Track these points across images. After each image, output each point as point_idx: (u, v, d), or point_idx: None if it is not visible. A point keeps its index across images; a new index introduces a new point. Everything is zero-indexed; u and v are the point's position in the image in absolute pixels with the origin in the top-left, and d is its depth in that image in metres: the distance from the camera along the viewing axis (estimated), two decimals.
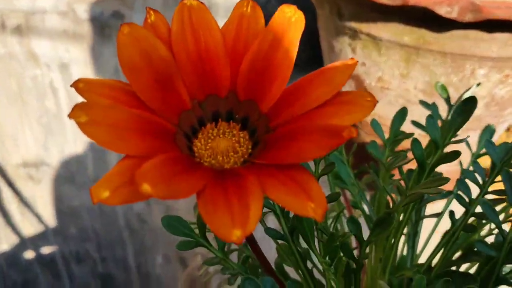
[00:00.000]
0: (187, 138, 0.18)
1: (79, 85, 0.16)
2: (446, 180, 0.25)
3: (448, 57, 0.50)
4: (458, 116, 0.31)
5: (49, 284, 1.53)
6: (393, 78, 0.55)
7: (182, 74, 0.19)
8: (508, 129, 1.08)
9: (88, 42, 1.16)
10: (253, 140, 0.19)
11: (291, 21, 0.19)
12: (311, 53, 0.84)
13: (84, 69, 1.14)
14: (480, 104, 0.54)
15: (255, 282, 0.22)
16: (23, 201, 1.36)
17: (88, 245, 1.47)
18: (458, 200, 0.29)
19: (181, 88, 0.18)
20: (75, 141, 1.14)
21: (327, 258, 0.28)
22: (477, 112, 0.55)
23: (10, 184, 1.32)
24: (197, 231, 0.28)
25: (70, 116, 0.15)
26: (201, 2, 0.19)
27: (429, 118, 0.30)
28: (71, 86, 0.16)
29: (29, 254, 1.46)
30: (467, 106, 0.31)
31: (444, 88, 0.41)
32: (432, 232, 0.37)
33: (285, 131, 0.17)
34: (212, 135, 0.19)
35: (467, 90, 0.40)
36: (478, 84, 0.39)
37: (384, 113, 0.57)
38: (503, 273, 0.29)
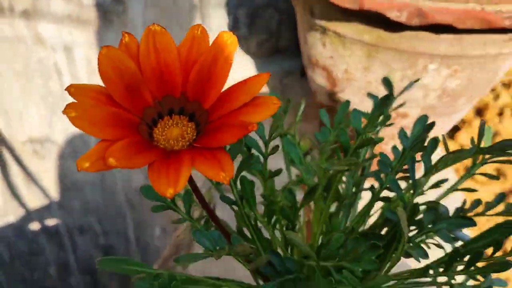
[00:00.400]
0: (149, 127, 0.26)
1: (71, 90, 0.24)
2: (355, 161, 0.33)
3: (403, 54, 0.57)
4: (377, 109, 0.38)
5: (54, 254, 1.61)
6: (356, 71, 0.62)
7: (146, 81, 0.26)
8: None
9: (91, 26, 1.22)
10: (197, 130, 0.26)
11: (227, 43, 0.26)
12: (295, 42, 0.91)
13: (87, 52, 1.20)
14: (432, 96, 0.61)
15: (204, 233, 0.30)
16: (29, 176, 1.42)
17: (91, 218, 1.54)
18: (375, 177, 0.36)
19: (145, 91, 0.26)
20: None
21: (272, 219, 0.36)
22: (430, 102, 0.62)
23: (17, 159, 1.38)
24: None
25: (64, 112, 0.22)
26: (163, 27, 0.27)
27: (354, 110, 0.38)
28: (65, 89, 0.24)
29: (35, 226, 1.53)
30: (383, 101, 0.38)
31: (387, 82, 0.47)
32: (370, 202, 0.45)
33: (216, 123, 0.25)
34: (167, 125, 0.26)
35: (408, 85, 0.47)
36: (417, 80, 0.46)
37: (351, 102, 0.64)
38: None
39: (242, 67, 1.00)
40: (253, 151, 0.38)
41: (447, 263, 0.34)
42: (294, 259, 0.35)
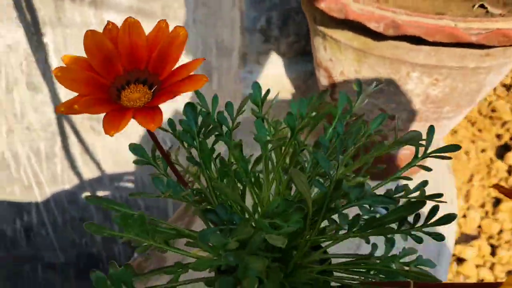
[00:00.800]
0: (118, 90, 0.36)
1: (63, 59, 0.34)
2: (284, 138, 0.42)
3: (386, 60, 0.64)
4: (310, 111, 0.46)
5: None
6: (350, 73, 0.69)
7: (121, 56, 0.36)
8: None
9: (149, 19, 1.34)
10: (153, 94, 0.36)
11: (180, 34, 0.36)
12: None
13: None
14: (416, 100, 0.68)
15: (161, 179, 0.40)
16: (86, 149, 1.56)
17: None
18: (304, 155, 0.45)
19: (118, 64, 0.36)
20: None
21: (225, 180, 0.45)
22: (415, 106, 0.69)
23: (76, 133, 1.52)
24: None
25: (53, 72, 0.33)
26: (136, 20, 0.37)
27: (289, 113, 0.46)
28: (61, 58, 0.34)
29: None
30: (319, 99, 0.46)
31: (358, 84, 0.55)
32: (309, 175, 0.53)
33: (165, 90, 0.34)
34: (132, 91, 0.36)
35: (374, 86, 0.54)
36: (376, 86, 0.53)
37: None
38: (333, 205, 0.44)
39: (273, 65, 1.08)
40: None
41: (363, 227, 0.42)
42: (237, 213, 0.45)
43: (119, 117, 0.32)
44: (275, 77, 1.09)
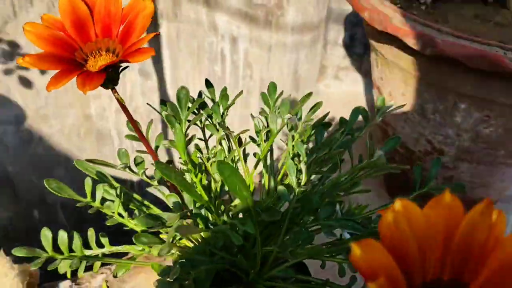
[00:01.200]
0: (86, 55, 0.38)
1: (44, 17, 0.37)
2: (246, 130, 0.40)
3: (433, 86, 0.58)
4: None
5: None
6: (397, 95, 0.64)
7: (95, 24, 0.38)
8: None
9: (254, 23, 1.37)
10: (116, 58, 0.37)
11: (147, 5, 0.37)
12: None
13: (247, 45, 1.36)
14: (465, 136, 0.60)
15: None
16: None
17: None
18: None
19: (91, 31, 0.38)
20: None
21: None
22: (465, 143, 0.61)
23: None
24: None
25: (23, 26, 0.35)
26: None
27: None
28: (40, 17, 0.36)
29: None
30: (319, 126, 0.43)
31: (382, 101, 0.50)
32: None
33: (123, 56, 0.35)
34: (100, 56, 0.38)
35: (390, 107, 0.49)
36: (401, 106, 0.48)
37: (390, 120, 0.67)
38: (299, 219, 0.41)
39: (351, 82, 1.05)
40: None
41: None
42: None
43: (89, 78, 0.33)
44: (352, 94, 1.05)
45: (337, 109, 0.99)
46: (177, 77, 1.55)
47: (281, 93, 0.49)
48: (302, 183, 0.41)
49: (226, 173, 0.34)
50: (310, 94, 0.46)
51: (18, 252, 0.40)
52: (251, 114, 0.50)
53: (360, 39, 0.99)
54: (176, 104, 0.46)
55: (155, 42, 1.50)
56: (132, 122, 0.42)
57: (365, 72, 1.03)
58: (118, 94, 0.39)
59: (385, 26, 0.55)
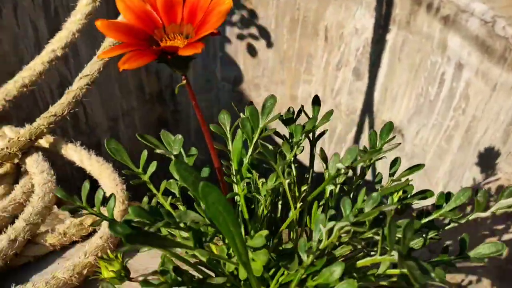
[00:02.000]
0: (156, 41, 0.38)
1: (96, 23, 0.36)
2: None
3: None
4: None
5: None
6: None
7: (184, 7, 0.38)
8: None
9: (487, 56, 1.22)
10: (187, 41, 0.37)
11: (225, 1, 0.36)
12: None
13: (472, 76, 1.21)
14: None
15: None
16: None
17: None
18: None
19: (179, 13, 0.38)
20: (432, 128, 1.23)
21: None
22: None
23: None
24: None
25: (95, 23, 0.35)
26: None
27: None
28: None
29: None
30: None
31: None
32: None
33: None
34: (171, 39, 0.38)
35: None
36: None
37: None
38: None
39: None
40: None
41: None
42: None
43: (134, 57, 0.33)
44: None
45: None
46: (388, 86, 1.47)
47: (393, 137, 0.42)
48: None
49: (210, 198, 0.28)
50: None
51: None
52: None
53: None
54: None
55: (378, 45, 1.44)
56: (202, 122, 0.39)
57: None
58: (189, 82, 0.37)
59: None
